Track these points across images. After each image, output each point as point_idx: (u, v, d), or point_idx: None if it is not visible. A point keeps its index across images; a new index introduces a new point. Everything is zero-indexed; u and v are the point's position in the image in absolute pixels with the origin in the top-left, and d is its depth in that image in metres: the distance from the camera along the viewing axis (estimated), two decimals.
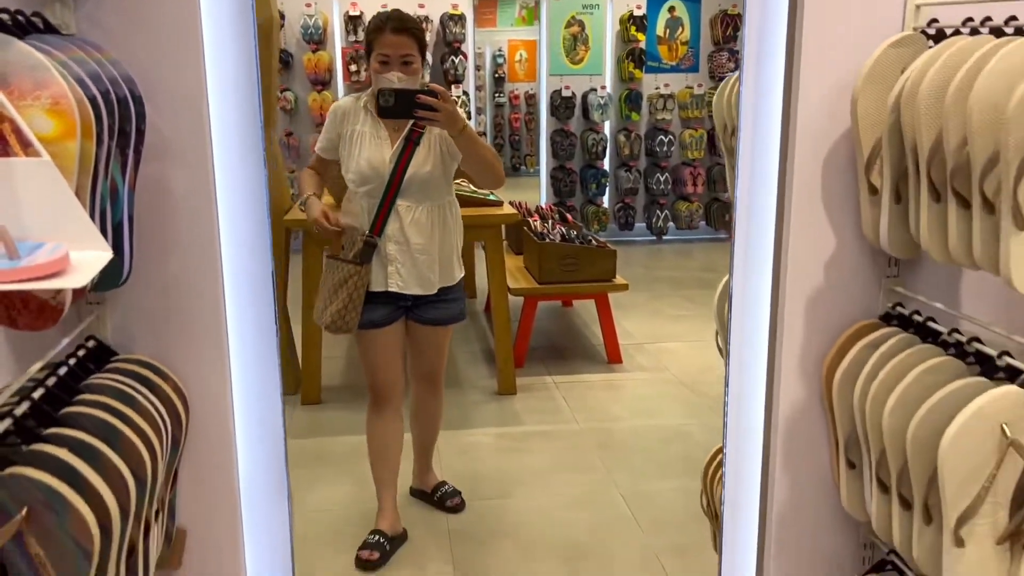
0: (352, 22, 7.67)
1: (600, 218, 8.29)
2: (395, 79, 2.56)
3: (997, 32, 1.28)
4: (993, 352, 1.35)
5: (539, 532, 3.11)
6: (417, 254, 2.74)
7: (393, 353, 2.88)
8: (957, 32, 1.35)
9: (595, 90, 8.17)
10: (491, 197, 4.68)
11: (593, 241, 5.16)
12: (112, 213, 1.23)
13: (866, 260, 1.58)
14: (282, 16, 7.27)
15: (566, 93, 8.13)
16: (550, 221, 5.56)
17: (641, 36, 8.11)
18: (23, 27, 1.18)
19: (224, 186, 1.50)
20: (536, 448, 3.82)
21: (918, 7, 1.45)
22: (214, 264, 1.47)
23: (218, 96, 1.51)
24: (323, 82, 7.73)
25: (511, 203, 5.21)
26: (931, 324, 1.48)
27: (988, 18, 1.31)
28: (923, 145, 1.26)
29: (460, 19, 7.79)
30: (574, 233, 5.24)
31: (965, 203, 1.23)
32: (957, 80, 1.19)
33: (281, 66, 7.40)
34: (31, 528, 1.02)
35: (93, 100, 1.11)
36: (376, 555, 2.86)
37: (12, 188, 0.96)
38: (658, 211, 8.29)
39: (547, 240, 4.98)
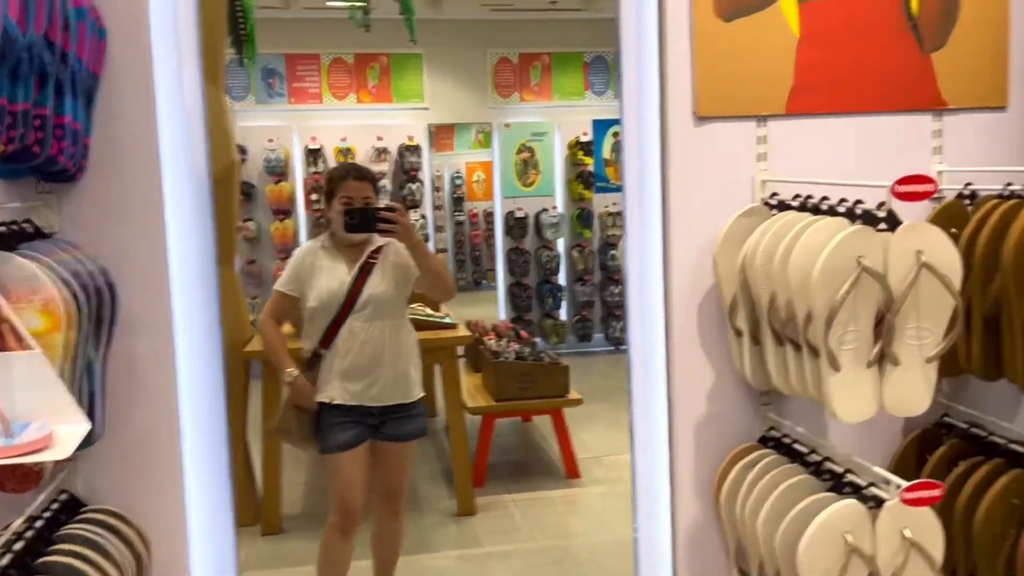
0: (312, 155, 8.11)
1: (558, 331, 8.57)
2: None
3: (815, 209, 1.59)
4: (840, 470, 1.60)
5: None
6: (366, 368, 2.98)
7: (360, 474, 3.07)
8: (789, 206, 1.66)
9: (547, 210, 8.59)
10: (446, 320, 4.90)
11: (546, 357, 5.36)
12: (88, 385, 1.45)
13: (742, 391, 1.85)
14: (244, 151, 7.63)
15: (519, 214, 8.55)
16: (505, 339, 5.76)
17: (588, 160, 8.61)
18: (17, 236, 1.43)
19: (184, 349, 1.74)
20: (496, 570, 3.88)
21: (764, 182, 1.76)
22: (173, 423, 1.69)
23: (180, 270, 1.75)
24: (285, 211, 8.07)
25: (468, 322, 5.41)
26: (796, 446, 1.73)
27: (809, 196, 1.62)
28: (761, 300, 1.55)
29: (416, 149, 8.32)
30: (527, 350, 5.42)
31: (798, 347, 1.50)
32: (780, 251, 1.48)
33: (243, 197, 7.71)
34: None
35: (75, 296, 1.35)
36: None
37: (8, 377, 1.19)
38: (614, 322, 8.59)
39: (502, 359, 5.18)
